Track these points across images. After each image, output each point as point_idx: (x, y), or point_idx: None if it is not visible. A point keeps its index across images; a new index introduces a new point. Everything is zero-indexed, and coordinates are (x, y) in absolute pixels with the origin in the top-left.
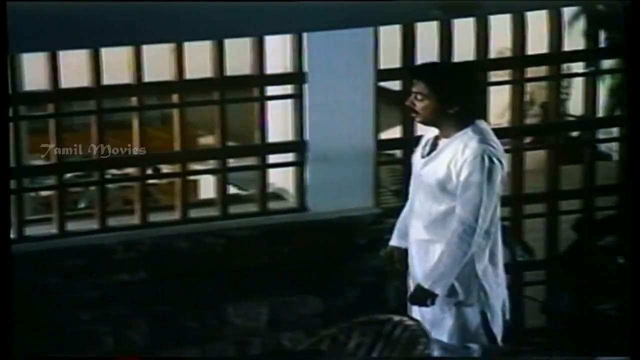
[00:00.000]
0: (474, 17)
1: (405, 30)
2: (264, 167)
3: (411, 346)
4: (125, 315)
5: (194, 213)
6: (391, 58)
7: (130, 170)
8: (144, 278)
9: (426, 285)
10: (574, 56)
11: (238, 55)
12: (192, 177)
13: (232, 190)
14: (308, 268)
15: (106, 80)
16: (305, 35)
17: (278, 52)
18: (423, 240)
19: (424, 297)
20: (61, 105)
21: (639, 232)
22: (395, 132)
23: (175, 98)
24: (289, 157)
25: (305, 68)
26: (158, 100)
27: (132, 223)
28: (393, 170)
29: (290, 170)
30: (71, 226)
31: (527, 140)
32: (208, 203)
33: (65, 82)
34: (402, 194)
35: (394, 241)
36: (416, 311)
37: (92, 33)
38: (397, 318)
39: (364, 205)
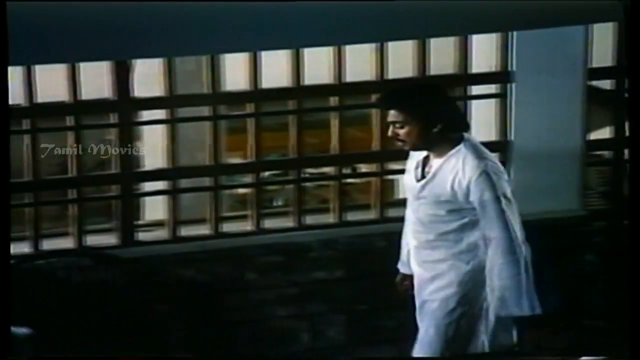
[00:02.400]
0: None
1: (620, 28)
2: None
3: None
4: (322, 312)
5: (391, 213)
6: (603, 57)
7: (327, 170)
8: (340, 276)
9: (520, 313)
10: None
11: (442, 54)
12: (390, 177)
13: None
14: None
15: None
16: (513, 33)
17: (484, 50)
18: (433, 260)
19: (534, 322)
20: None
21: (639, 232)
22: (605, 133)
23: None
24: None
25: (512, 67)
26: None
27: (328, 222)
28: (602, 171)
29: None
30: (268, 223)
31: None
32: (404, 203)
33: (266, 83)
34: (611, 196)
35: (403, 269)
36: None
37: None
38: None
39: (570, 207)
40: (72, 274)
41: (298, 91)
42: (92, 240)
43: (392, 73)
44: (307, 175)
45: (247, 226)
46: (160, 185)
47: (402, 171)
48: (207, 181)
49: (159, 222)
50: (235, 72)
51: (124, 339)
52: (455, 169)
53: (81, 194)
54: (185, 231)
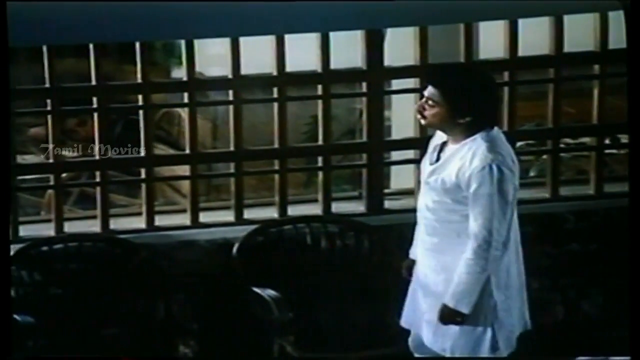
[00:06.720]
0: None
1: None
2: None
3: None
4: (575, 285)
5: None
6: None
7: (586, 140)
8: (595, 249)
9: (451, 305)
10: None
11: None
12: None
13: None
14: None
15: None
16: None
17: None
18: (435, 249)
19: (453, 316)
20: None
21: (639, 232)
22: None
23: None
24: None
25: None
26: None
27: (585, 193)
28: None
29: None
30: (521, 194)
31: None
32: None
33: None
34: None
35: (412, 254)
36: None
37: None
38: None
39: None
40: (320, 239)
41: (556, 59)
42: (338, 207)
43: None
44: (562, 146)
45: None
46: (409, 154)
47: None
48: None
49: (407, 190)
50: (492, 39)
51: (368, 304)
52: (464, 158)
53: (328, 162)
54: None
